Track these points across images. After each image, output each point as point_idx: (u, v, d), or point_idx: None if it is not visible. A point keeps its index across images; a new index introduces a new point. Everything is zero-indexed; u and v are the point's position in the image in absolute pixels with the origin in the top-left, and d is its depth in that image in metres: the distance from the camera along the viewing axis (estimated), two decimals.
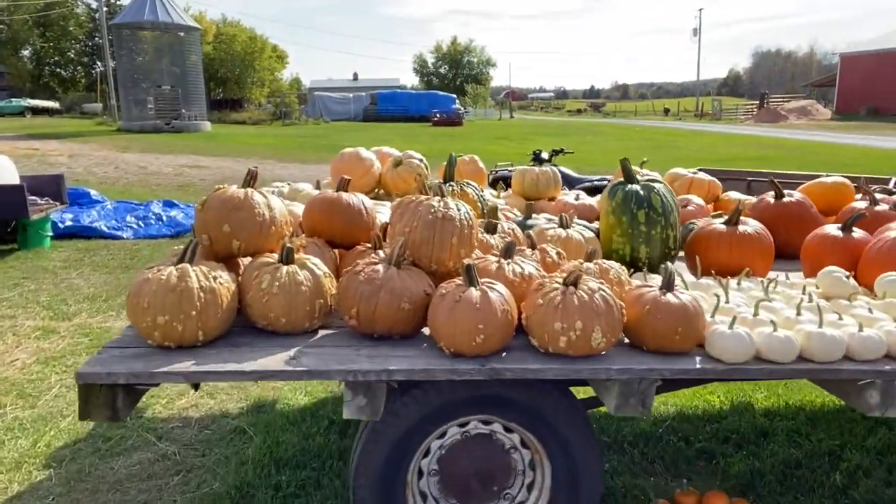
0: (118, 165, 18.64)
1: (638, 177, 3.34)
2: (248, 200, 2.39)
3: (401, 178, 4.44)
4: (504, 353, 2.24)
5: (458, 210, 2.46)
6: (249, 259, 2.48)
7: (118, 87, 34.29)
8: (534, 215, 4.11)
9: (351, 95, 53.29)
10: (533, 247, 2.78)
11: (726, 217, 3.29)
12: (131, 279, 7.43)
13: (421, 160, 4.53)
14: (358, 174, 4.37)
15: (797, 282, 3.00)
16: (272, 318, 2.28)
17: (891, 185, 5.13)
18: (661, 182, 3.31)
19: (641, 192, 3.21)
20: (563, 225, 3.11)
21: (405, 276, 2.30)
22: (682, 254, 3.37)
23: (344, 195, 2.77)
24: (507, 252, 2.51)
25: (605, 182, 9.38)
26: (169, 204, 11.06)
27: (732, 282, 2.88)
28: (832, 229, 3.20)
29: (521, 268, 2.44)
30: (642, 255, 3.22)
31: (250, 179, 2.50)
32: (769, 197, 4.23)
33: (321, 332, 2.43)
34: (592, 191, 8.12)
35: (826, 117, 47.38)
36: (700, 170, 7.92)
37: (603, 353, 2.24)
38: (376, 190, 4.63)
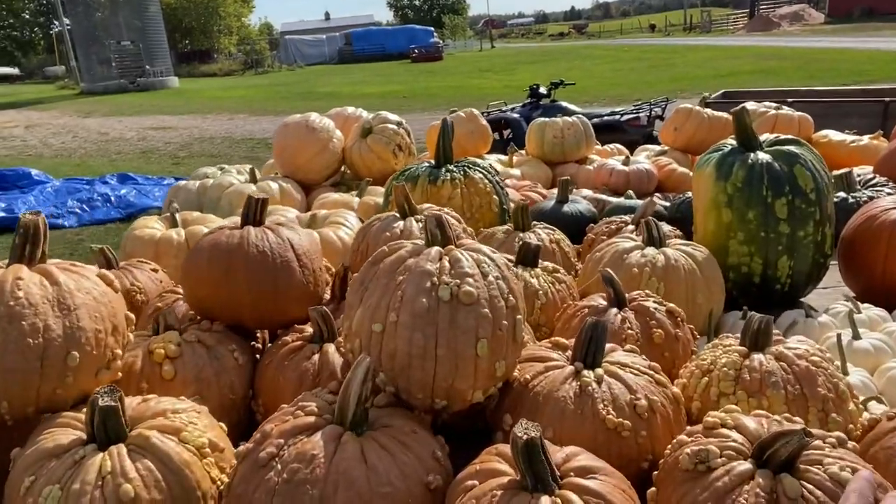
0: (77, 133, 17.25)
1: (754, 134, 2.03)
2: (7, 300, 1.05)
3: (372, 152, 3.08)
4: None
5: (484, 274, 1.10)
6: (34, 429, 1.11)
7: (76, 46, 32.13)
8: (571, 196, 2.79)
9: (324, 37, 50.75)
10: (619, 303, 1.45)
11: None
12: None
13: (399, 124, 3.15)
14: (310, 152, 3.01)
15: None
16: None
17: None
18: (800, 142, 1.98)
19: (778, 167, 1.89)
20: (654, 239, 1.77)
21: (378, 453, 0.97)
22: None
23: (253, 233, 1.42)
24: (591, 352, 1.17)
25: (617, 118, 7.83)
26: (123, 178, 9.66)
27: None
28: None
29: (630, 389, 1.12)
30: (782, 273, 1.93)
31: (26, 243, 1.21)
32: None
33: None
34: (603, 128, 6.67)
35: (819, 21, 45.33)
36: (725, 93, 6.51)
37: None
38: (341, 170, 3.29)
